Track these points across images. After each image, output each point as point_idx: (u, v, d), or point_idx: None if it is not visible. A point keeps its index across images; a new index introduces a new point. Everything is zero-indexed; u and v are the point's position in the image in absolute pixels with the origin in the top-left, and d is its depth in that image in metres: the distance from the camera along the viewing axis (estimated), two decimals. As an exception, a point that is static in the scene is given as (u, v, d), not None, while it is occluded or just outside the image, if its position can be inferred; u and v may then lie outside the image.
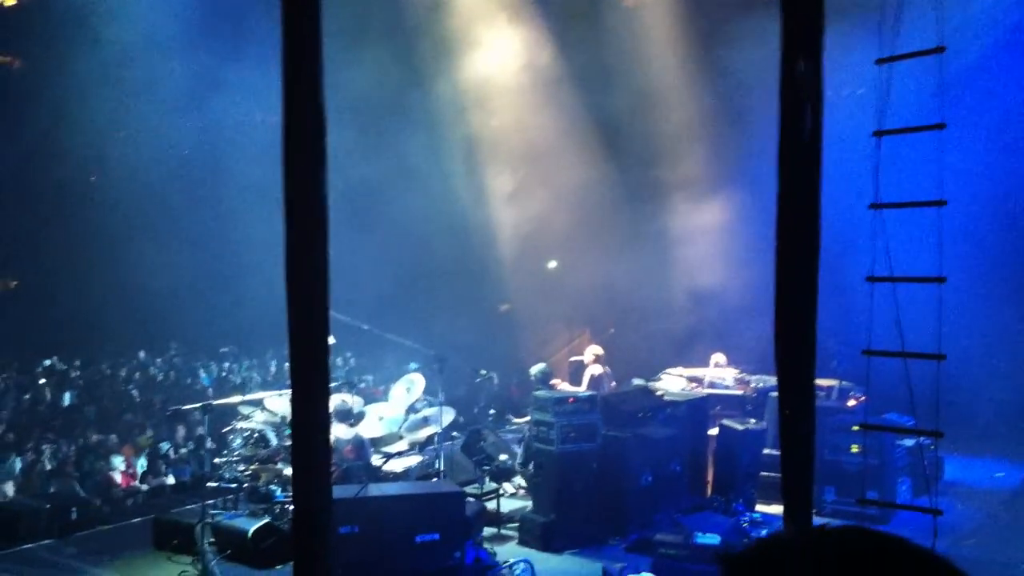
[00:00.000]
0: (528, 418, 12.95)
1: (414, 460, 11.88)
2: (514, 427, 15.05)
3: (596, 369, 13.48)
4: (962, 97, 12.95)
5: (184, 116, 19.90)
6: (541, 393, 11.92)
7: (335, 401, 10.77)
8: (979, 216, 13.94)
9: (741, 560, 1.41)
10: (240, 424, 11.83)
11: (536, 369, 13.41)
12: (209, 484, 11.55)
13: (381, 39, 17.67)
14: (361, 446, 11.18)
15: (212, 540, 10.18)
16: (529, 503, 11.82)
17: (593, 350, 13.89)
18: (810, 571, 1.33)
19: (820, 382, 12.18)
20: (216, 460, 11.70)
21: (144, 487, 13.64)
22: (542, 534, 10.96)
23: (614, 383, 13.98)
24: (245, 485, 11.16)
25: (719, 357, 14.35)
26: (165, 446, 14.66)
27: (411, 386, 13.31)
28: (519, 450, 12.96)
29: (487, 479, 12.28)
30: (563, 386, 13.88)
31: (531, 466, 11.92)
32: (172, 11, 18.11)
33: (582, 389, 12.92)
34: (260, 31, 16.29)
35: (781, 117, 4.36)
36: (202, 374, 20.06)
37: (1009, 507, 12.73)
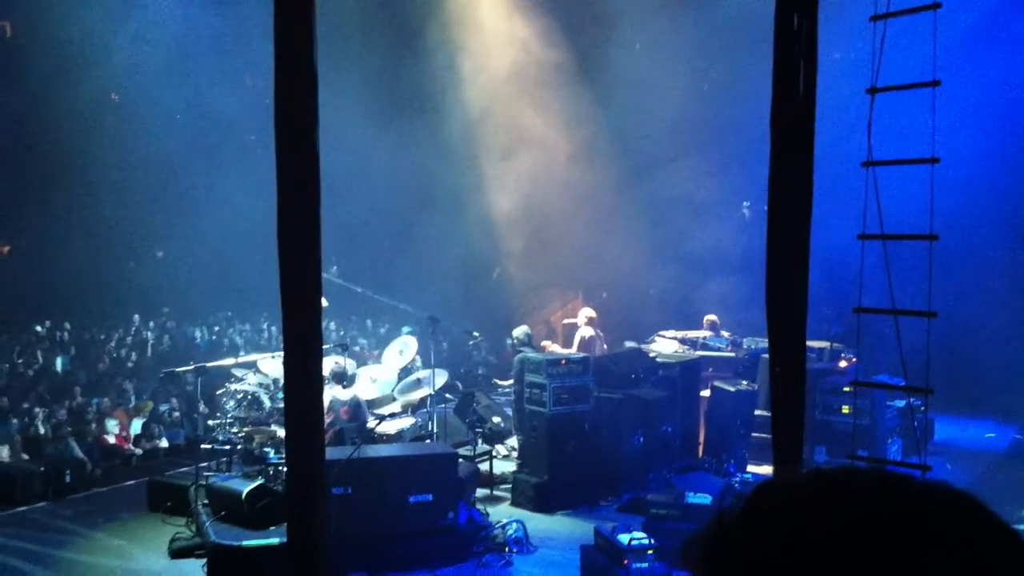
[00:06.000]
0: (511, 382, 12.93)
1: (407, 422, 11.90)
2: (503, 391, 15.07)
3: (587, 332, 13.41)
4: (959, 55, 12.87)
5: (179, 80, 19.70)
6: (533, 355, 11.91)
7: (329, 364, 10.76)
8: (974, 175, 13.87)
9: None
10: (233, 386, 11.84)
11: (519, 331, 13.19)
12: (203, 446, 11.60)
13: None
14: (358, 407, 11.20)
15: (206, 502, 10.22)
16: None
17: (586, 312, 13.83)
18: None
19: (812, 344, 12.26)
20: (209, 423, 11.71)
21: (138, 450, 13.68)
22: (535, 495, 11.03)
23: (606, 346, 13.98)
24: (238, 447, 11.18)
25: (712, 318, 14.38)
26: (163, 407, 14.70)
27: (404, 348, 13.30)
28: (510, 412, 13.00)
29: (480, 441, 12.31)
30: (553, 348, 13.86)
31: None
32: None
33: (572, 351, 12.92)
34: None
35: (774, 74, 4.32)
36: (197, 335, 20.08)
37: (999, 467, 12.84)
